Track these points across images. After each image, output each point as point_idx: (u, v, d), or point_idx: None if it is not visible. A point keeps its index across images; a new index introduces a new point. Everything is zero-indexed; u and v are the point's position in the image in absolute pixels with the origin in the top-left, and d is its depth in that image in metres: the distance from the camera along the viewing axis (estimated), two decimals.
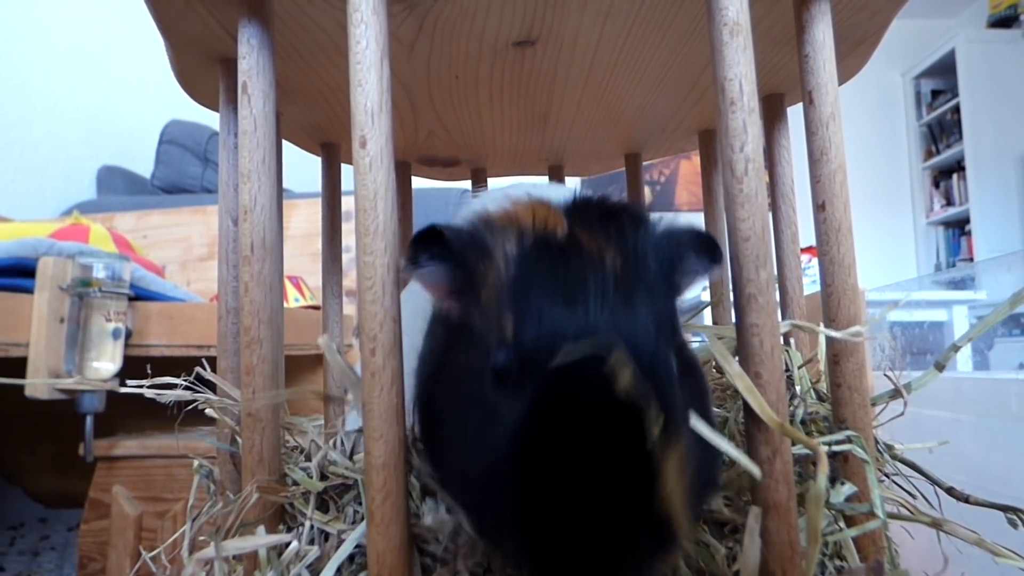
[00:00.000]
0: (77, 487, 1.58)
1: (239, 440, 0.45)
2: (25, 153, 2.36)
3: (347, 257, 1.34)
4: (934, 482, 0.50)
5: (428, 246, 0.36)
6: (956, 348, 0.46)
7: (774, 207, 0.64)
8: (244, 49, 0.46)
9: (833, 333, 0.44)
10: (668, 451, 0.28)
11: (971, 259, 4.69)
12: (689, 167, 4.63)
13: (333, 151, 0.76)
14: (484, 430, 0.32)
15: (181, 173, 2.65)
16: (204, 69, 0.57)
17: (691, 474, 0.28)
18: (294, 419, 0.64)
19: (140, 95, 2.87)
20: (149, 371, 0.48)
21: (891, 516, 0.43)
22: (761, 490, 0.36)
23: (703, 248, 0.37)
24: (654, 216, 0.38)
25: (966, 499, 0.48)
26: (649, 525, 0.28)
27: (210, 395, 0.46)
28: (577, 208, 0.38)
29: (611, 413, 0.28)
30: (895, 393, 0.48)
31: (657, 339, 0.32)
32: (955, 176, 5.01)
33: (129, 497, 1.40)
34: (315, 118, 0.69)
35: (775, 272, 0.47)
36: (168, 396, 0.45)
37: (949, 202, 5.08)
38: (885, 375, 0.49)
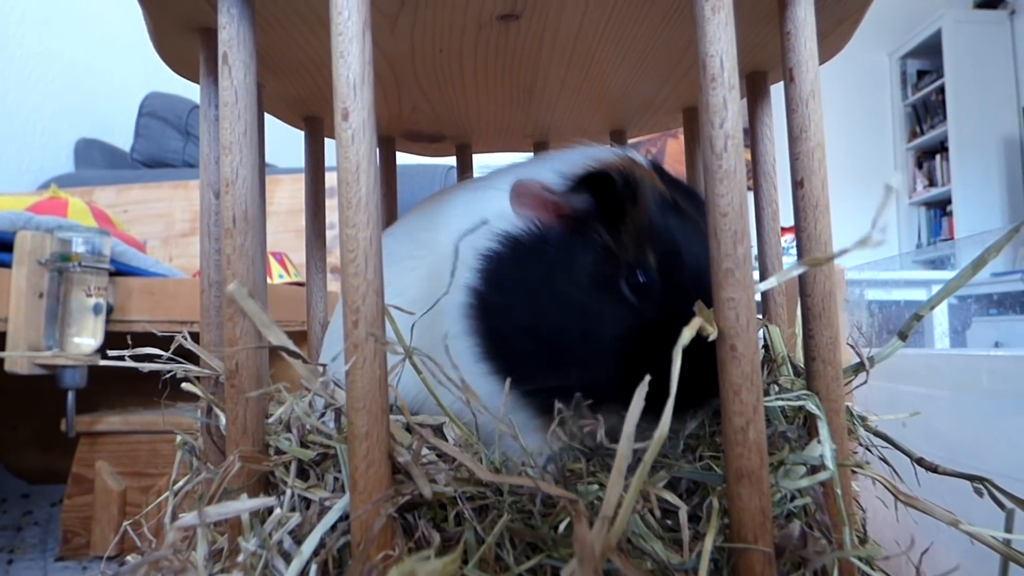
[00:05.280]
0: (59, 463, 1.57)
1: (218, 412, 0.45)
2: None
3: (331, 234, 1.33)
4: (905, 453, 0.52)
5: (591, 181, 0.46)
6: (919, 317, 0.47)
7: (755, 185, 0.64)
8: (224, 19, 0.45)
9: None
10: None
11: (952, 240, 4.75)
12: (676, 145, 4.63)
13: (316, 125, 0.75)
14: (606, 320, 0.45)
15: (162, 147, 2.61)
16: (184, 39, 0.56)
17: None
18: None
19: (119, 66, 2.81)
20: (130, 342, 0.48)
21: (848, 466, 0.44)
22: (734, 458, 0.37)
23: None
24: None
25: (935, 469, 0.50)
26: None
27: (191, 366, 0.46)
28: (657, 171, 0.52)
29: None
30: (859, 365, 0.49)
31: None
32: (938, 157, 5.05)
33: (113, 472, 1.40)
34: (298, 91, 0.68)
35: (754, 248, 0.48)
36: (148, 367, 0.45)
37: (932, 183, 5.13)
38: (848, 344, 0.50)
